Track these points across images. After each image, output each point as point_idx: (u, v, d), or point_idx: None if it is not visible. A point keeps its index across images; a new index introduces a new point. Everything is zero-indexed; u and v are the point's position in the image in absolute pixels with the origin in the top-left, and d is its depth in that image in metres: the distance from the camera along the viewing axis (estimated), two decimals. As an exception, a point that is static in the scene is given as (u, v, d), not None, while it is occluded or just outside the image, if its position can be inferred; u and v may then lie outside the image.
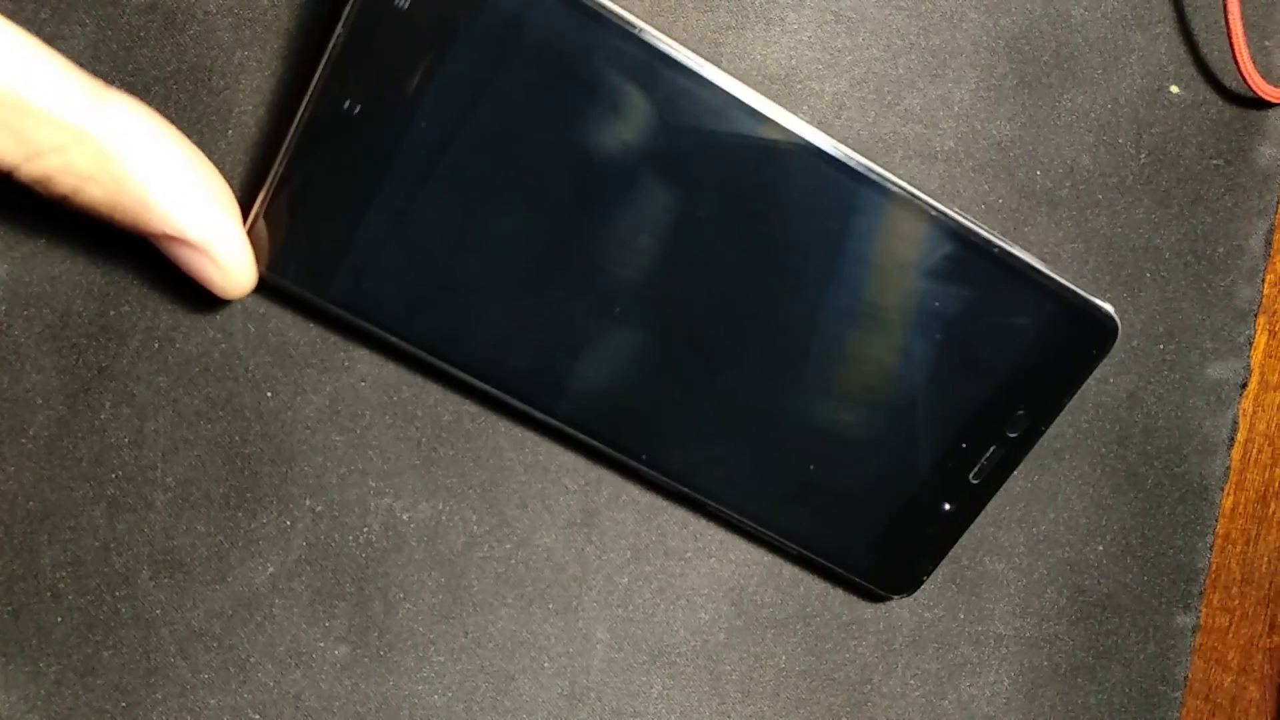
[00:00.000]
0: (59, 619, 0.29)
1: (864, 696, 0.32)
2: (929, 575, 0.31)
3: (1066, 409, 0.31)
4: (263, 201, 0.26)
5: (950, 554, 0.33)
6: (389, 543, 0.30)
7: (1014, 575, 0.33)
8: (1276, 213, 0.34)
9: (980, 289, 0.29)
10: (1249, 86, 0.33)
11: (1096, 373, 0.33)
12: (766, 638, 0.32)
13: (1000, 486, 0.30)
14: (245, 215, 0.26)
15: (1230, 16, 0.32)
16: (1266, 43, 0.34)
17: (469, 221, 0.27)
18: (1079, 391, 0.30)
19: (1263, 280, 0.34)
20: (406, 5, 0.25)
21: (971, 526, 0.33)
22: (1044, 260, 0.30)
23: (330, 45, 0.25)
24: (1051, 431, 0.33)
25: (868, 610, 0.32)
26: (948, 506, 0.30)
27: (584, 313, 0.28)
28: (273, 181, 0.26)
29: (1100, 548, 0.34)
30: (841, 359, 0.29)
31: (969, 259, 0.29)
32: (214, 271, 0.26)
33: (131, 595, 0.29)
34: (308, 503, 0.29)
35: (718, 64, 0.27)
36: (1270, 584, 0.36)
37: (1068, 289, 0.29)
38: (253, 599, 0.29)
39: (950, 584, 0.33)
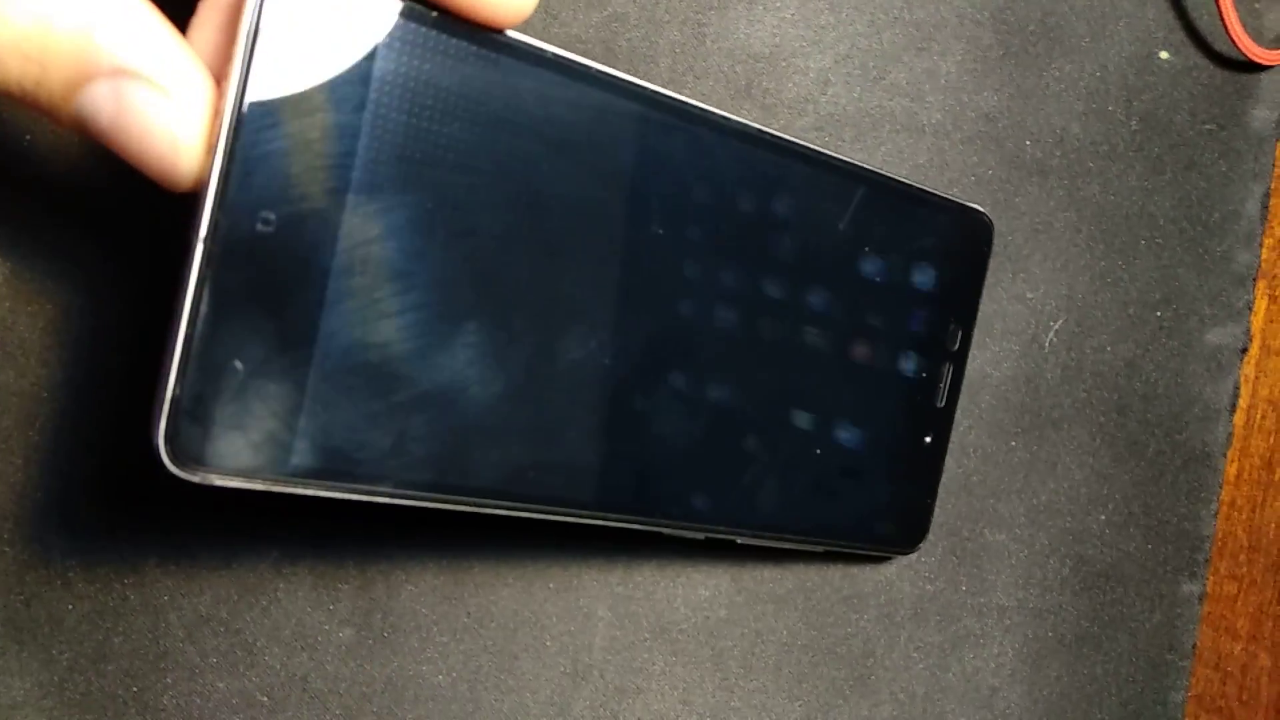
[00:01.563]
0: (70, 606, 0.29)
1: (867, 670, 0.33)
2: (932, 515, 0.31)
3: (1068, 366, 0.31)
4: (180, 382, 0.20)
5: (952, 525, 0.33)
6: (390, 525, 0.30)
7: (1015, 546, 0.33)
8: (1273, 176, 0.34)
9: (885, 223, 0.29)
10: (1239, 50, 0.33)
11: (1093, 340, 0.33)
12: (767, 613, 0.32)
13: (957, 402, 0.31)
14: (155, 416, 0.20)
15: (1217, -21, 0.32)
16: (1256, 5, 0.34)
17: (443, 315, 0.23)
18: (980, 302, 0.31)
19: (1260, 245, 0.34)
20: (300, 86, 0.20)
21: (971, 498, 0.33)
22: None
23: (218, 156, 0.20)
24: (1049, 401, 0.33)
25: (868, 584, 0.33)
26: (928, 439, 0.31)
27: (583, 389, 0.25)
28: (187, 352, 0.20)
29: (1102, 517, 0.34)
30: (811, 341, 0.28)
31: (881, 201, 0.29)
32: (167, 112, 0.19)
33: (140, 582, 0.30)
34: (308, 488, 0.30)
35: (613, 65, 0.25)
36: (1278, 550, 0.35)
37: (949, 201, 0.29)
38: (258, 584, 0.30)
39: (951, 555, 0.33)
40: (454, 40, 0.21)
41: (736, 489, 0.28)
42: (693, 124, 0.25)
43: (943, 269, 0.30)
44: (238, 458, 0.21)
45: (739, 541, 0.29)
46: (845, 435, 0.29)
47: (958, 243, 0.30)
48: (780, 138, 0.27)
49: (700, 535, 0.28)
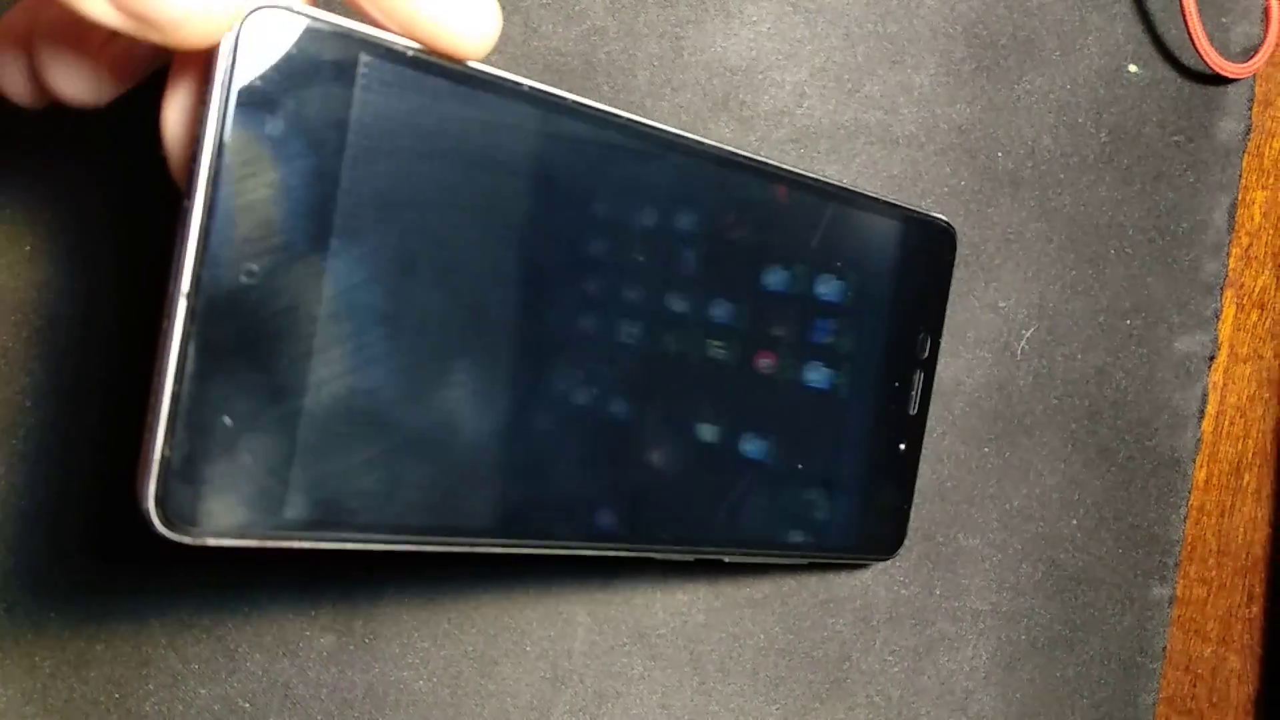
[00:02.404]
0: (52, 613, 0.30)
1: (843, 673, 0.33)
2: (909, 521, 0.32)
3: (1040, 374, 0.32)
4: (170, 442, 0.19)
5: (926, 529, 0.33)
6: (371, 532, 0.31)
7: (989, 551, 0.34)
8: (1239, 187, 0.35)
9: (860, 239, 0.29)
10: (1206, 63, 0.33)
11: (1065, 348, 0.34)
12: (744, 617, 0.33)
13: (929, 406, 0.31)
14: (143, 478, 0.19)
15: (1184, -5, 0.33)
16: (1223, 19, 0.34)
17: (432, 358, 0.22)
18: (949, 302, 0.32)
19: (1228, 254, 0.35)
20: (278, 131, 0.20)
21: (946, 504, 0.33)
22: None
23: (195, 210, 0.19)
24: (1022, 408, 0.34)
25: (844, 588, 0.33)
26: (903, 446, 0.31)
27: (571, 424, 0.25)
28: (176, 410, 0.19)
29: (1074, 522, 0.34)
30: (784, 358, 0.29)
31: (846, 215, 0.29)
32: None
33: (122, 589, 0.30)
34: (290, 495, 0.30)
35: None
36: (1247, 554, 0.36)
37: (914, 212, 0.30)
38: (240, 590, 0.30)
39: (926, 560, 0.33)
40: (430, 78, 0.21)
41: (722, 511, 0.28)
42: (665, 149, 0.25)
43: (910, 279, 0.30)
44: (230, 516, 0.20)
45: (727, 560, 0.29)
46: (828, 449, 0.30)
47: (923, 252, 0.30)
48: (745, 156, 0.27)
49: (690, 558, 0.28)
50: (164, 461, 0.19)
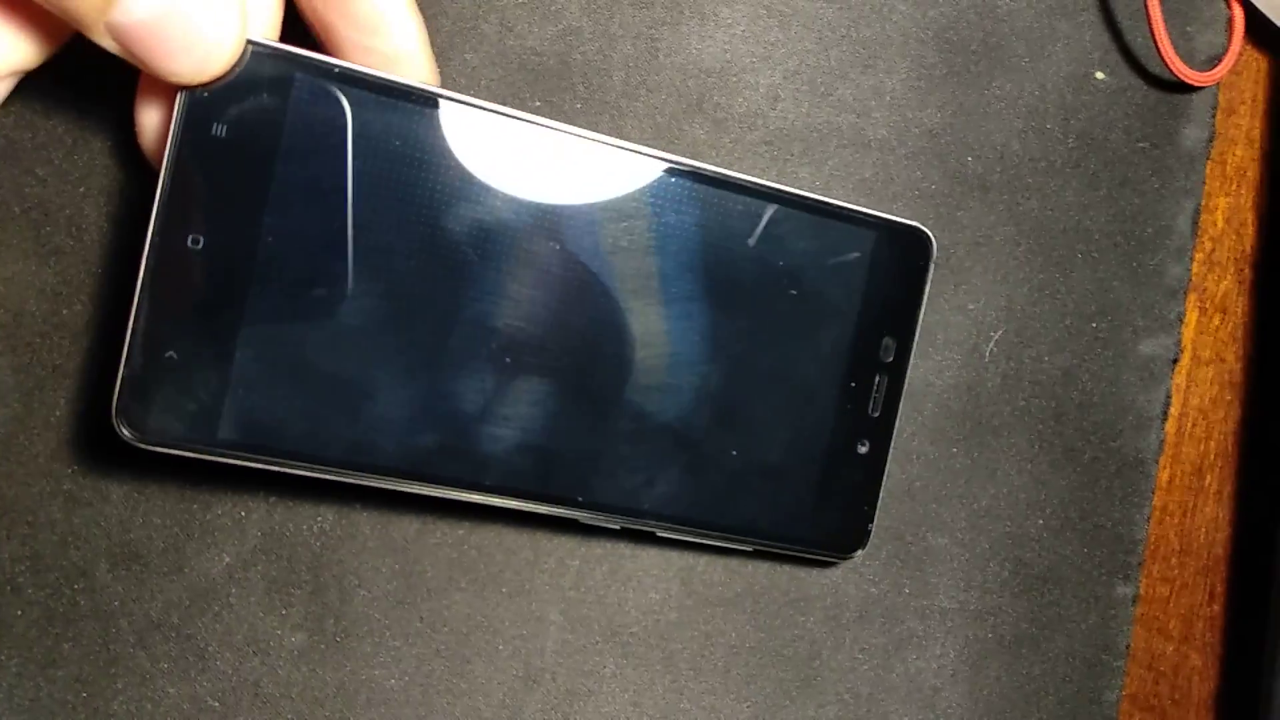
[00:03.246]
0: (19, 612, 0.29)
1: (813, 671, 0.33)
2: (872, 522, 0.32)
3: (1007, 375, 0.32)
4: (127, 365, 0.25)
5: (895, 529, 0.34)
6: (343, 531, 0.31)
7: (957, 550, 0.34)
8: (1203, 193, 0.35)
9: (813, 242, 0.30)
10: (1171, 71, 0.34)
11: (1032, 350, 0.34)
12: (716, 616, 0.33)
13: (897, 412, 0.32)
14: (113, 394, 0.25)
15: (1151, 3, 0.33)
16: (1188, 28, 0.35)
17: (345, 320, 0.27)
18: (923, 312, 0.32)
19: (1191, 259, 0.35)
20: (224, 132, 0.25)
21: (914, 503, 0.34)
22: (854, 201, 0.31)
23: (159, 188, 0.25)
24: (990, 409, 0.34)
25: (815, 587, 0.33)
26: (861, 448, 0.31)
27: (480, 376, 0.28)
28: (133, 341, 0.25)
29: (1040, 521, 0.35)
30: (725, 344, 0.30)
31: (796, 218, 0.30)
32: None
33: (90, 588, 0.30)
34: (261, 493, 0.30)
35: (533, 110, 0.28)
36: (1209, 554, 0.37)
37: (885, 219, 0.31)
38: (210, 589, 0.30)
39: (895, 560, 0.34)
40: (353, 90, 0.26)
41: (651, 481, 0.30)
42: (619, 159, 0.28)
43: (875, 283, 0.31)
44: (173, 429, 0.26)
45: (659, 534, 0.30)
46: (771, 437, 0.31)
47: (894, 258, 0.31)
48: (702, 169, 0.29)
49: (616, 525, 0.30)
50: (124, 381, 0.25)
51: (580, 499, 0.29)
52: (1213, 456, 0.37)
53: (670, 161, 0.29)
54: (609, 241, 0.29)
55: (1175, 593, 0.37)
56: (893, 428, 0.31)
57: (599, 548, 0.32)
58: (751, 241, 0.30)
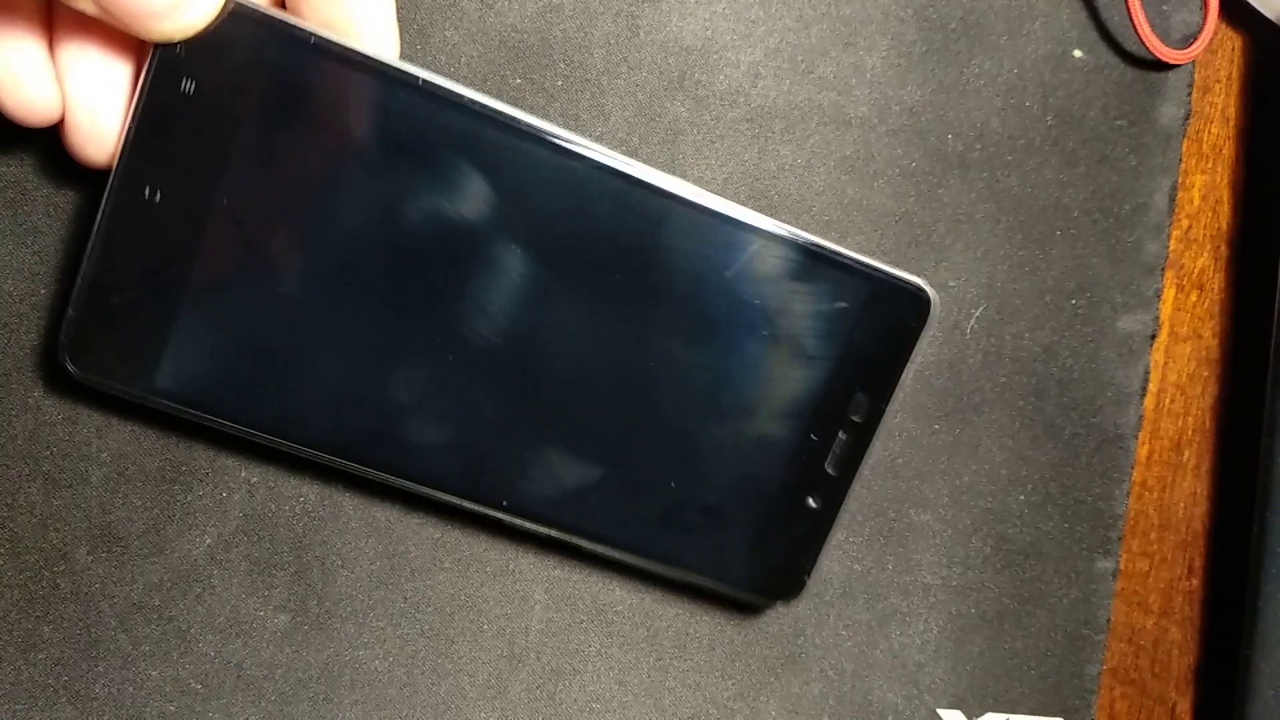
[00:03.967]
0: (-3, 596, 0.29)
1: (798, 649, 0.33)
2: (809, 575, 0.31)
3: (988, 352, 0.32)
4: (75, 304, 0.26)
5: (878, 505, 0.34)
6: (325, 511, 0.30)
7: (939, 526, 0.34)
8: (1179, 170, 0.36)
9: (795, 284, 0.29)
10: (1148, 49, 0.34)
11: (1012, 327, 0.34)
12: (701, 594, 0.33)
13: (857, 472, 0.30)
14: (60, 321, 0.26)
15: (1127, -19, 0.34)
16: (1164, 7, 0.35)
17: (290, 292, 0.27)
18: (911, 366, 0.30)
19: (1168, 236, 0.36)
20: (192, 89, 0.25)
21: (897, 480, 0.34)
22: (854, 248, 0.30)
23: (122, 137, 0.25)
24: (971, 385, 0.34)
25: (798, 563, 0.33)
26: (812, 502, 0.30)
27: (418, 366, 0.28)
28: (83, 282, 0.26)
29: (1021, 497, 0.35)
30: (679, 373, 0.29)
31: (781, 257, 0.29)
32: None
33: (70, 570, 0.29)
34: (243, 474, 0.30)
35: (515, 102, 0.28)
36: (1187, 528, 0.37)
37: (879, 270, 0.29)
38: (191, 571, 0.30)
39: (878, 536, 0.34)
40: (324, 58, 0.25)
41: (580, 495, 0.29)
42: (593, 164, 0.27)
43: (858, 336, 0.29)
44: (112, 369, 0.26)
45: (584, 548, 0.30)
46: (710, 472, 0.30)
47: (885, 313, 0.29)
48: (681, 194, 0.28)
49: (541, 531, 0.29)
50: (71, 318, 0.26)
51: (505, 502, 0.29)
52: (1190, 432, 0.37)
53: (647, 177, 0.28)
54: (570, 248, 0.28)
55: (1155, 567, 0.37)
56: (848, 488, 0.30)
57: (583, 526, 0.32)
58: (729, 273, 0.29)
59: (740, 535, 0.30)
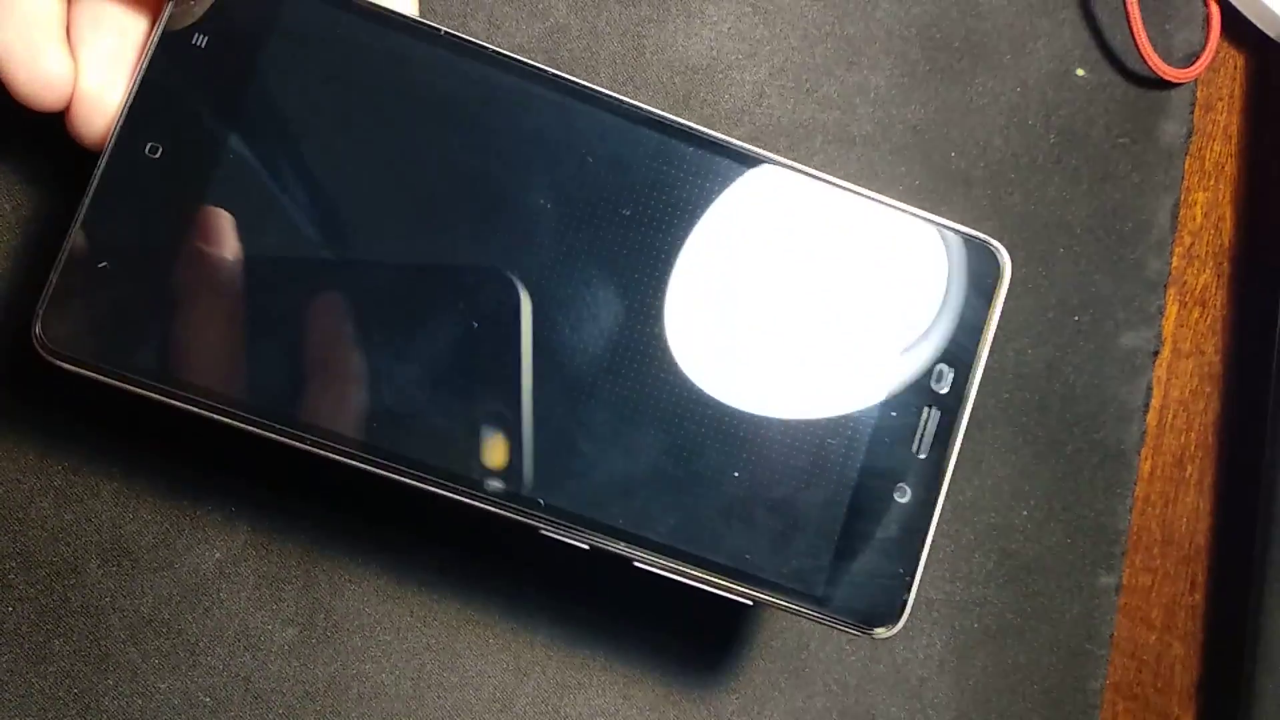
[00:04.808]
0: (9, 609, 0.29)
1: (801, 662, 0.34)
2: (910, 593, 0.26)
3: (991, 368, 0.32)
4: (57, 271, 0.24)
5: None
6: (333, 525, 0.31)
7: (943, 541, 0.34)
8: (1181, 187, 0.36)
9: (863, 247, 0.26)
10: (1150, 68, 0.34)
11: (1015, 343, 0.35)
12: (705, 607, 0.33)
13: (951, 456, 0.26)
14: (39, 296, 0.24)
15: (1130, 1, 0.34)
16: (1166, 25, 0.36)
17: (297, 260, 0.24)
18: (993, 340, 0.27)
19: (1171, 253, 0.36)
20: (204, 44, 0.24)
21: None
22: (921, 206, 0.27)
23: (129, 91, 0.24)
24: (975, 402, 0.34)
25: (802, 578, 0.34)
26: (900, 496, 0.26)
27: (444, 343, 0.25)
28: (68, 246, 0.24)
29: (1025, 512, 0.35)
30: (731, 338, 0.26)
31: (847, 219, 0.26)
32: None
33: (80, 584, 0.30)
34: (251, 489, 0.30)
35: (531, 56, 0.26)
36: (1190, 543, 0.37)
37: (951, 229, 0.27)
38: (200, 585, 0.30)
39: (881, 551, 0.34)
40: (342, 14, 0.24)
41: (629, 493, 0.25)
42: (635, 123, 0.26)
43: (930, 297, 0.26)
44: (91, 345, 0.24)
45: (636, 564, 0.26)
46: (777, 459, 0.26)
47: (955, 273, 0.26)
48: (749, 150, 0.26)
49: (584, 544, 0.26)
50: (53, 288, 0.23)
51: (542, 501, 0.25)
52: (1193, 448, 0.37)
53: (696, 132, 0.26)
54: (612, 209, 0.25)
55: (1157, 582, 0.37)
56: (944, 476, 0.26)
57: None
58: (786, 227, 0.26)
59: (820, 541, 0.26)
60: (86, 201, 0.24)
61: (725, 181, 0.26)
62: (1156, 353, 0.36)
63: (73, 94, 0.25)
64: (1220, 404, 0.37)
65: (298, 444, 0.25)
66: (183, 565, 0.30)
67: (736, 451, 0.25)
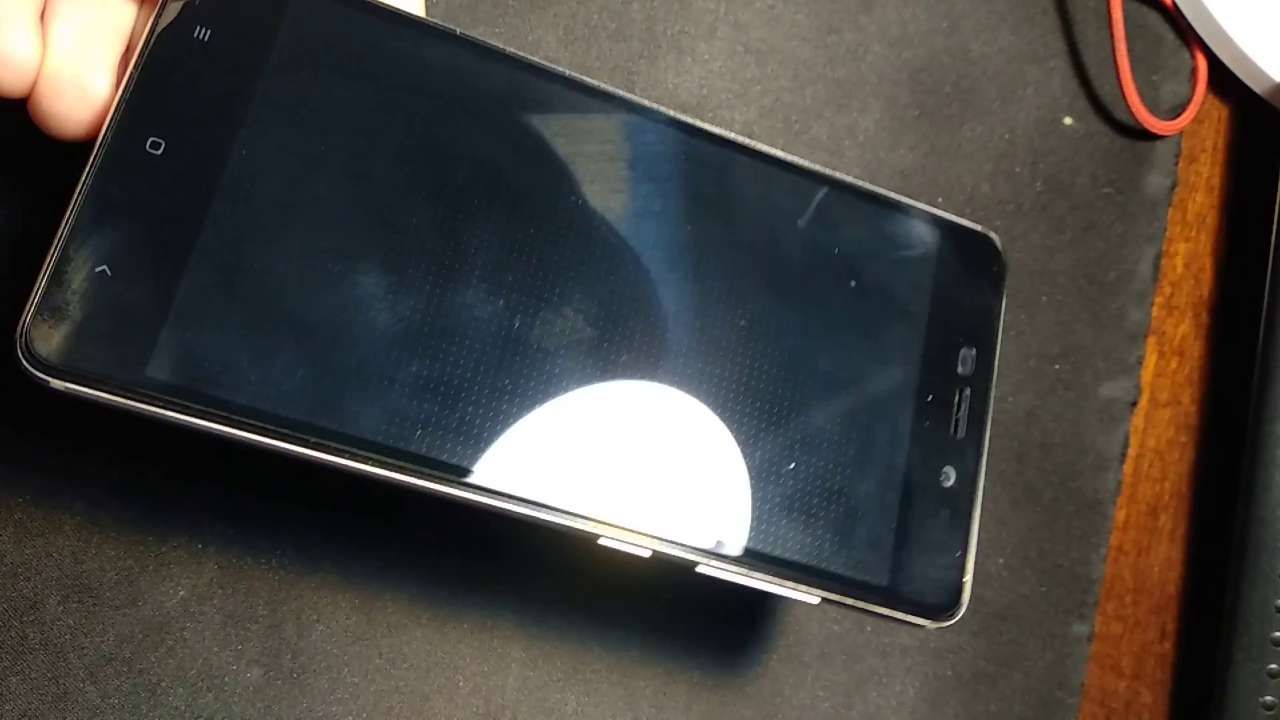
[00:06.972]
0: (-37, 646, 0.28)
1: (775, 709, 0.33)
2: (966, 576, 0.26)
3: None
4: (46, 277, 0.21)
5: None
6: (301, 565, 0.30)
7: (918, 588, 0.34)
8: (1164, 239, 0.36)
9: (877, 238, 0.27)
10: (1137, 119, 0.34)
11: (996, 391, 0.34)
12: (679, 653, 0.33)
13: (986, 434, 0.27)
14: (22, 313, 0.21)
15: (1119, 53, 0.34)
16: (1154, 77, 0.36)
17: (315, 259, 0.23)
18: (1004, 313, 0.28)
19: (1151, 303, 0.36)
20: (206, 36, 0.23)
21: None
22: (918, 199, 0.29)
23: (127, 81, 0.22)
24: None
25: (776, 624, 0.33)
26: (945, 480, 0.27)
27: (480, 343, 0.24)
28: (59, 250, 0.21)
29: (1000, 560, 0.35)
30: (770, 330, 0.26)
31: (850, 204, 0.27)
32: None
33: (40, 620, 0.29)
34: (218, 525, 0.30)
35: (541, 56, 0.26)
36: (1161, 592, 0.37)
37: (950, 220, 0.28)
38: (164, 623, 0.29)
39: (857, 597, 0.34)
40: (362, 15, 0.24)
41: (682, 501, 0.25)
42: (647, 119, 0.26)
43: (945, 284, 0.27)
44: (93, 360, 0.21)
45: (699, 569, 0.25)
46: (829, 451, 0.26)
47: (962, 261, 0.28)
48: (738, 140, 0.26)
49: (645, 551, 0.25)
50: (42, 296, 0.20)
51: (604, 517, 0.24)
52: (1167, 497, 0.37)
53: (704, 129, 0.26)
54: (630, 204, 0.25)
55: (1128, 631, 0.37)
56: (982, 455, 0.27)
57: (562, 584, 0.32)
58: (802, 223, 0.26)
59: (879, 530, 0.26)
60: (78, 201, 0.21)
61: (760, 183, 0.26)
62: (1134, 403, 0.36)
63: (37, 75, 0.23)
64: (1195, 454, 0.37)
65: (340, 459, 0.23)
66: (146, 602, 0.29)
67: (789, 445, 0.25)
